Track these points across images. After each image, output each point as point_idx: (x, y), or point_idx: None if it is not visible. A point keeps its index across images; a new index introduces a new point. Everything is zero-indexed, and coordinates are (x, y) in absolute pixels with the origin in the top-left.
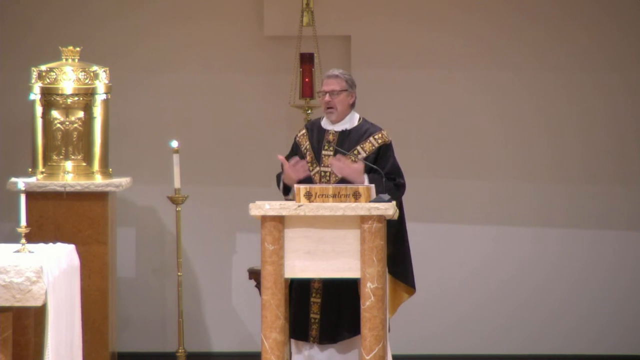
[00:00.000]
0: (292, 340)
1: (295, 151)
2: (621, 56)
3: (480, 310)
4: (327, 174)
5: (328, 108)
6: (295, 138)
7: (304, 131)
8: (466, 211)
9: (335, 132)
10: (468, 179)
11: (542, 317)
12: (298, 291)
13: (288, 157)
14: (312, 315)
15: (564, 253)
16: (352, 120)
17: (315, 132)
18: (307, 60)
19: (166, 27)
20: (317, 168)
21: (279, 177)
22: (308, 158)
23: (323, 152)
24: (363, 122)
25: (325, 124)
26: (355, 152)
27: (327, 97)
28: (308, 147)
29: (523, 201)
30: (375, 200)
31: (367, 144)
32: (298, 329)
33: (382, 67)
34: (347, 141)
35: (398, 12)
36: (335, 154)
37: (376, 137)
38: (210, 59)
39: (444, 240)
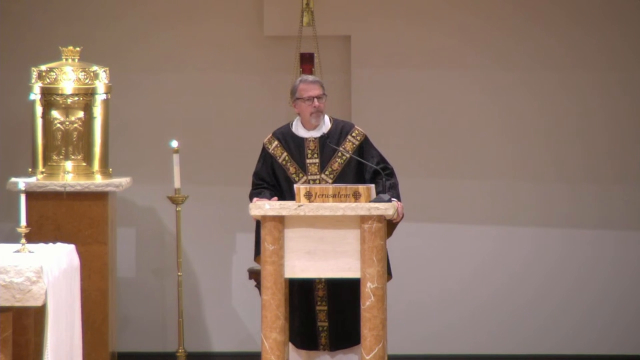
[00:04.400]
0: (292, 348)
1: (270, 162)
2: (621, 56)
3: (480, 310)
4: (317, 181)
5: (317, 113)
6: (265, 149)
7: (276, 142)
8: (466, 211)
9: (315, 138)
10: (468, 179)
11: (542, 317)
12: (302, 301)
13: (261, 169)
14: (319, 324)
15: (564, 253)
16: (325, 123)
17: (291, 141)
18: (307, 60)
19: (166, 27)
20: (305, 177)
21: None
22: (291, 169)
23: (307, 160)
24: (334, 121)
25: (298, 131)
26: (339, 154)
27: (316, 102)
28: (287, 158)
29: (523, 201)
30: (375, 200)
31: (347, 143)
32: (306, 339)
33: (382, 67)
34: (327, 145)
35: (398, 12)
36: (320, 162)
37: (354, 134)
38: (210, 59)
39: (444, 240)
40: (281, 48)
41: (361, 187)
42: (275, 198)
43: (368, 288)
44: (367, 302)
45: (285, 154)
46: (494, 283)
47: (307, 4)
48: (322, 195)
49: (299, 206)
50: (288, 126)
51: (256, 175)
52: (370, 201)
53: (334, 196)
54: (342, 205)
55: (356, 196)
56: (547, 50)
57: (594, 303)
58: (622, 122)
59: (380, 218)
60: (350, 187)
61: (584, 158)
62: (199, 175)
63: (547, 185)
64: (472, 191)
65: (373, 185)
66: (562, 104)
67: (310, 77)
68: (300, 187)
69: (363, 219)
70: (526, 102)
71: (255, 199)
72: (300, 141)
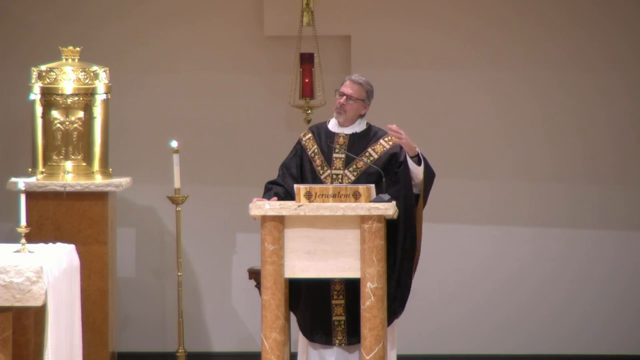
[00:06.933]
0: (307, 342)
1: (300, 154)
2: (621, 56)
3: (480, 310)
4: (340, 176)
5: (339, 109)
6: (299, 141)
7: (309, 135)
8: (466, 211)
9: (346, 135)
10: (468, 179)
11: (542, 317)
12: (316, 296)
13: (290, 159)
14: (335, 318)
15: (564, 253)
16: (360, 125)
17: (323, 135)
18: (307, 60)
19: (166, 27)
20: (329, 171)
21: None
22: (317, 162)
23: (334, 155)
24: (370, 126)
25: (333, 127)
26: (367, 154)
27: (342, 100)
28: (316, 150)
29: (523, 201)
30: (375, 200)
31: (377, 145)
32: (320, 333)
33: (382, 67)
34: (357, 144)
35: (398, 12)
36: (346, 158)
37: (386, 139)
38: (210, 59)
39: (444, 240)
40: (281, 48)
41: (361, 187)
42: (275, 198)
43: (368, 288)
44: (367, 302)
45: (315, 146)
46: (493, 283)
47: (307, 4)
48: (322, 195)
49: (299, 206)
50: (326, 122)
51: (283, 166)
52: (370, 201)
53: (334, 196)
54: (342, 205)
55: (356, 196)
56: (547, 50)
57: (594, 303)
58: (622, 122)
59: (380, 218)
60: (350, 187)
61: (584, 158)
62: (199, 175)
63: (547, 186)
64: (472, 191)
65: (373, 185)
66: (562, 103)
67: (355, 77)
68: (300, 187)
69: (363, 219)
70: (526, 102)
71: (255, 199)
72: (331, 136)
